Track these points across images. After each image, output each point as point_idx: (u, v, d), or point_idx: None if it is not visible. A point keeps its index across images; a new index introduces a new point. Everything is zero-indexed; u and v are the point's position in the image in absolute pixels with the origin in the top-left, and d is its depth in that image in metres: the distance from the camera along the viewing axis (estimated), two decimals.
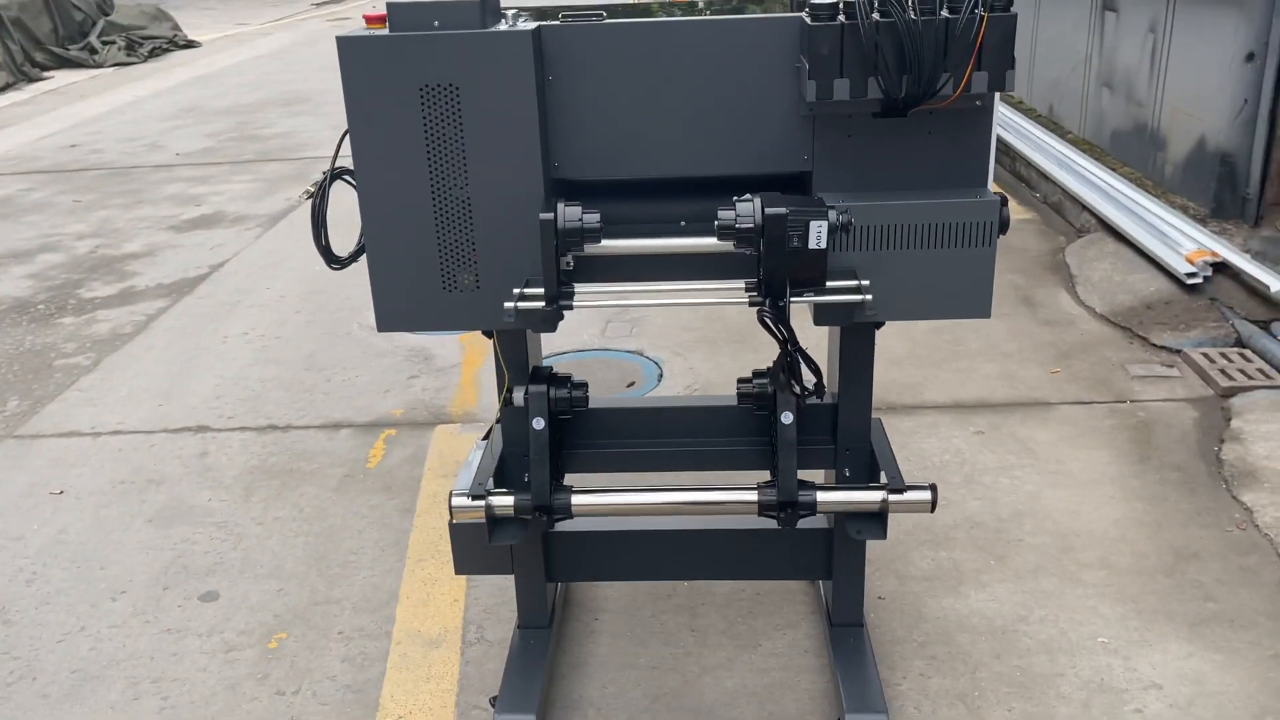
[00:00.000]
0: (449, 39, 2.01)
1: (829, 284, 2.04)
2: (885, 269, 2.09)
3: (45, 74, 13.64)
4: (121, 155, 9.16)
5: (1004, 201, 2.09)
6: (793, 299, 2.02)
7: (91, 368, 4.89)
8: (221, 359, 4.89)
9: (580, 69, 2.08)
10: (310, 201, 2.06)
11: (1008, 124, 7.40)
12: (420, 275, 2.14)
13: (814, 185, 2.16)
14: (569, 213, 1.99)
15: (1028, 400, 4.19)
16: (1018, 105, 7.90)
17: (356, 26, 2.12)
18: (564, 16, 2.11)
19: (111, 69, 14.27)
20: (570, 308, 2.07)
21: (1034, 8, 7.65)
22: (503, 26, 2.04)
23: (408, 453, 4.01)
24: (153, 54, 15.01)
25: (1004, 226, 2.09)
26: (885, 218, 2.06)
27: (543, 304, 2.04)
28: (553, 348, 4.73)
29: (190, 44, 15.89)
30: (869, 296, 2.03)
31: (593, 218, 2.01)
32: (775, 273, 1.98)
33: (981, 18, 1.90)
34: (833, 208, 1.98)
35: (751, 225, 1.96)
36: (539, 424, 2.28)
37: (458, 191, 2.09)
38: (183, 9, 18.53)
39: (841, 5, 1.93)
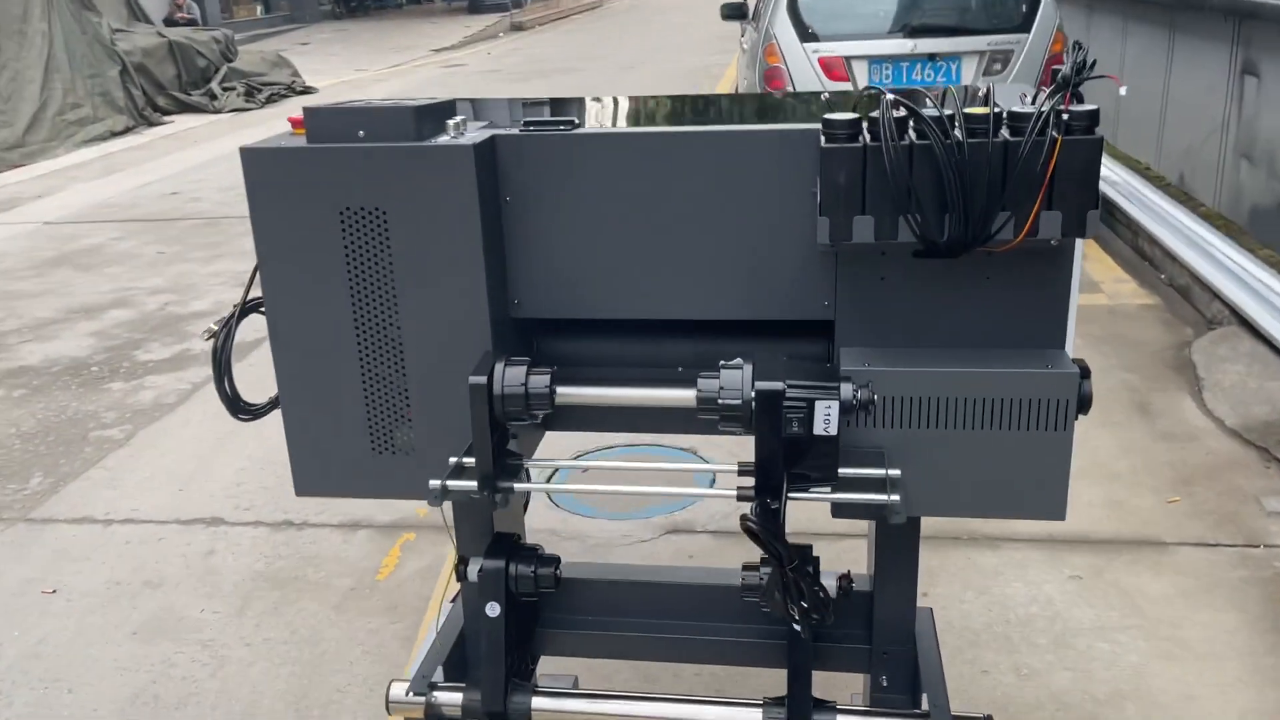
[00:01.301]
0: (374, 154, 1.62)
1: (844, 473, 1.56)
2: (923, 453, 1.61)
3: (165, 118, 14.01)
4: (217, 205, 9.19)
5: (1086, 373, 1.58)
6: (792, 497, 1.55)
7: (124, 441, 4.70)
8: (254, 438, 4.63)
9: (544, 189, 1.68)
10: (212, 342, 1.70)
11: (1132, 194, 6.73)
12: (345, 432, 1.75)
13: (837, 337, 1.69)
14: (510, 375, 1.57)
15: (1137, 538, 3.58)
16: (1144, 172, 7.21)
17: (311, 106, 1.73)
18: (526, 124, 1.71)
19: (229, 114, 14.59)
20: (511, 492, 1.65)
21: (1164, 65, 6.98)
22: (443, 138, 1.64)
23: (423, 564, 3.64)
24: (270, 100, 15.33)
25: (1085, 404, 1.58)
26: (925, 388, 1.58)
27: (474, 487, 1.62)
28: (591, 441, 4.31)
29: (307, 90, 16.19)
30: (896, 497, 1.55)
31: (540, 381, 1.58)
32: (769, 465, 1.52)
33: (1054, 141, 1.42)
34: (848, 380, 1.51)
35: (738, 402, 1.50)
36: (494, 610, 1.86)
37: (387, 334, 1.70)
38: (307, 55, 19.01)
39: (864, 122, 1.47)
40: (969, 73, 6.41)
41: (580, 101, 2.15)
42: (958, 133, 1.44)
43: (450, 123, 1.65)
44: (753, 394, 1.50)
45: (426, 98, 1.77)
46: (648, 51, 19.14)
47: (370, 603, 3.45)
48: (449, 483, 1.62)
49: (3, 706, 3.06)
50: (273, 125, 13.25)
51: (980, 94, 1.62)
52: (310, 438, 1.78)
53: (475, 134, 1.68)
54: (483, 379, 1.55)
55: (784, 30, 6.55)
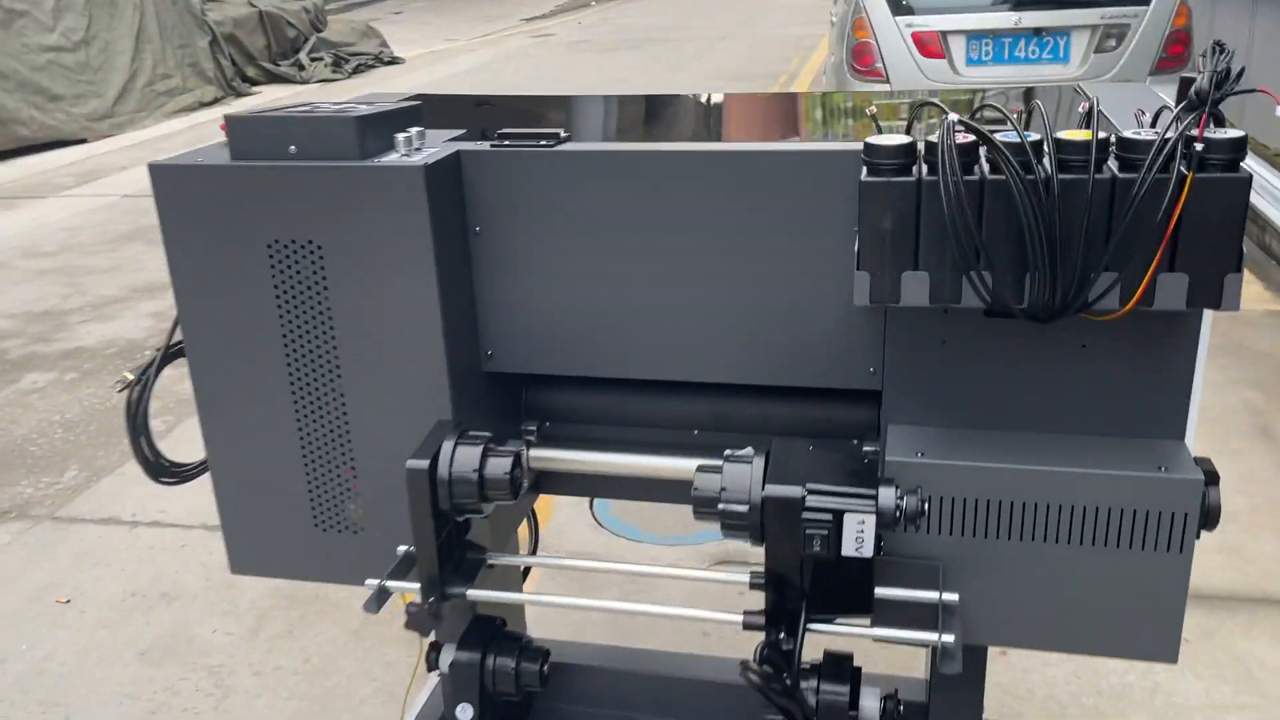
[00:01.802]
0: (306, 176, 1.31)
1: (883, 594, 1.21)
2: (991, 571, 1.24)
3: (254, 89, 14.03)
4: None
5: (1212, 478, 1.19)
6: (813, 629, 1.20)
7: (163, 434, 4.53)
8: None
9: (521, 218, 1.35)
10: (127, 394, 1.42)
11: (1258, 183, 6.09)
12: (283, 505, 1.45)
13: (884, 412, 1.33)
14: (461, 457, 1.24)
15: (1257, 594, 3.13)
16: (1272, 159, 6.54)
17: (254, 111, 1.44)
18: (500, 136, 1.38)
19: (316, 85, 14.56)
20: (462, 599, 1.33)
21: None
22: (391, 156, 1.32)
23: None
24: (357, 70, 15.26)
25: (1211, 519, 1.20)
26: (997, 489, 1.22)
27: (418, 590, 1.31)
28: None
29: (394, 60, 16.09)
30: (950, 637, 1.18)
31: (500, 465, 1.26)
32: (783, 590, 1.17)
33: (1182, 180, 1.03)
34: (891, 483, 1.15)
35: (744, 509, 1.15)
36: (466, 714, 1.55)
37: (327, 392, 1.40)
38: (399, 24, 18.92)
39: (920, 147, 1.10)
40: (1079, 50, 5.84)
41: (609, 102, 1.81)
42: (1045, 165, 1.06)
43: (401, 136, 1.33)
44: (761, 499, 1.15)
45: (394, 100, 1.46)
46: (743, 21, 18.58)
47: (391, 629, 3.20)
48: (389, 583, 1.30)
49: None
50: (355, 95, 13.14)
51: (1082, 108, 1.23)
52: (244, 509, 1.49)
53: (434, 149, 1.35)
54: (424, 463, 1.23)
55: (875, 2, 6.06)
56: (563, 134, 1.38)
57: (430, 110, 1.46)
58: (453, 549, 1.31)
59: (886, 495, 1.15)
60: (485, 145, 1.37)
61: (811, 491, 1.14)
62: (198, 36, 13.26)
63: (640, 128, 1.78)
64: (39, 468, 4.42)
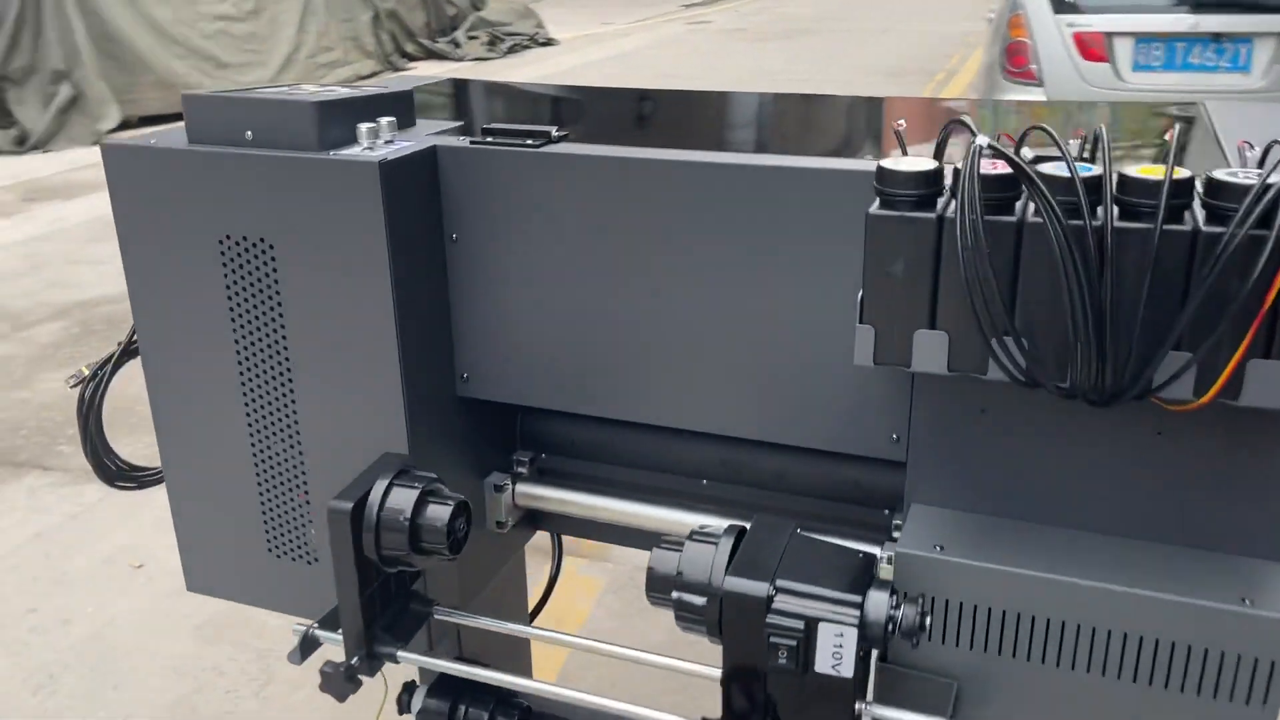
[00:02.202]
0: (257, 166, 1.16)
1: (878, 714, 0.98)
2: (1018, 696, 1.00)
3: (409, 65, 14.31)
4: None
5: None
6: None
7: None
8: None
9: (505, 226, 1.17)
10: (80, 389, 1.31)
11: None
12: (237, 526, 1.32)
13: (908, 489, 1.10)
14: (394, 501, 1.08)
15: None
16: None
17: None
18: (484, 131, 1.20)
19: (470, 63, 14.77)
20: (393, 660, 1.17)
21: None
22: (350, 149, 1.16)
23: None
24: (511, 50, 15.40)
25: None
26: (1027, 601, 0.98)
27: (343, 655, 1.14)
28: None
29: (548, 41, 16.18)
30: None
31: (439, 514, 1.08)
32: (745, 705, 0.96)
33: None
34: (887, 588, 0.93)
35: (701, 601, 0.95)
36: None
37: (281, 408, 1.25)
38: (560, 6, 19.02)
39: (949, 174, 0.87)
40: (1262, 59, 5.28)
41: (646, 98, 1.62)
42: (1102, 207, 0.81)
43: (365, 127, 1.16)
44: (721, 595, 0.94)
45: (372, 85, 1.30)
46: (908, 14, 17.96)
47: None
48: (319, 632, 1.15)
49: (46, 695, 2.92)
50: (504, 76, 13.26)
51: (1165, 135, 0.97)
52: (198, 524, 1.37)
53: (407, 144, 1.19)
54: (347, 505, 1.06)
55: None
56: (556, 132, 1.19)
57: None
58: (390, 600, 1.15)
59: (877, 603, 0.92)
60: (464, 141, 1.20)
61: (781, 590, 0.93)
62: (360, 11, 13.59)
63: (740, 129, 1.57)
64: (141, 428, 4.51)
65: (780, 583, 0.94)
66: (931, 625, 0.98)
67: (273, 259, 1.20)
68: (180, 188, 1.21)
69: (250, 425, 1.29)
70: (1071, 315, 0.83)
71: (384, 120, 1.19)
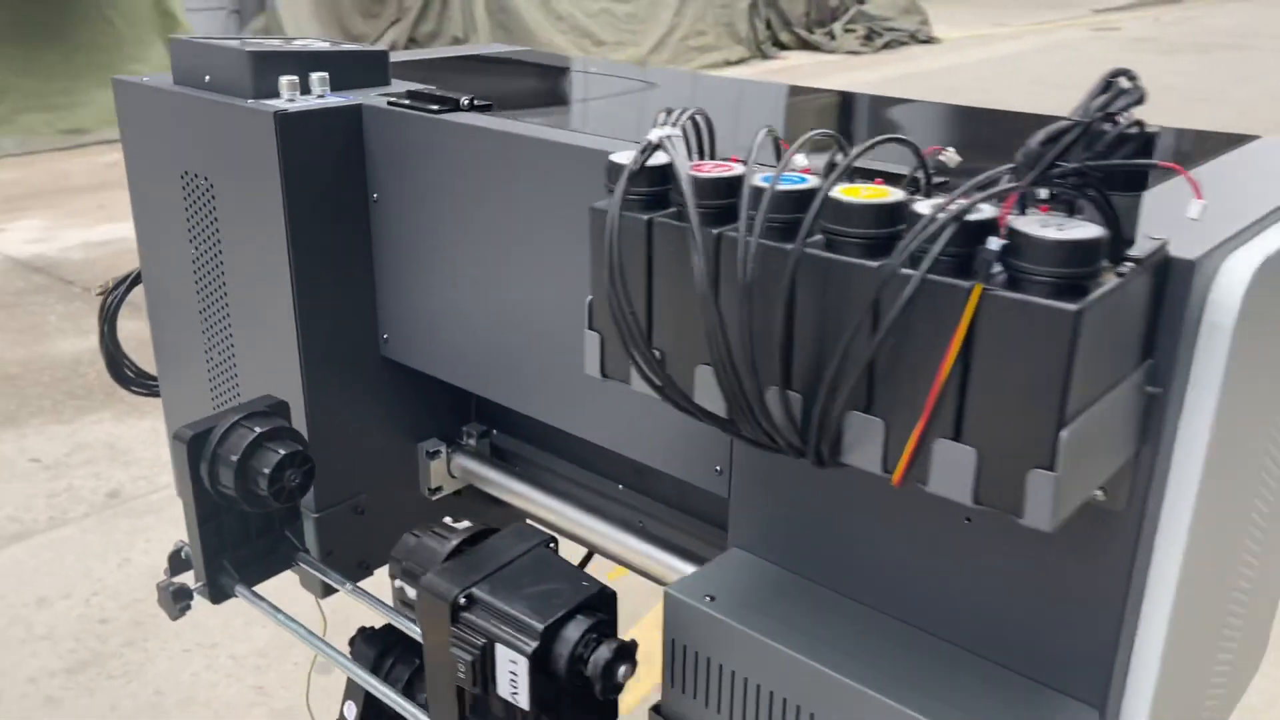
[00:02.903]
0: (198, 108, 1.25)
1: None
2: None
3: (780, 54, 14.41)
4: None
5: None
6: None
7: None
8: None
9: (414, 193, 1.18)
10: (102, 299, 1.47)
11: None
12: None
13: (730, 529, 1.00)
14: (233, 438, 1.12)
15: None
16: None
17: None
18: (406, 94, 1.21)
19: (841, 56, 14.62)
20: (230, 595, 1.21)
21: None
22: (279, 100, 1.20)
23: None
24: (887, 45, 15.05)
25: None
26: (783, 681, 0.86)
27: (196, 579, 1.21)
28: None
29: (930, 39, 15.64)
30: None
31: (267, 459, 1.11)
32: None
33: (963, 292, 0.62)
34: (594, 615, 0.85)
35: (411, 595, 0.92)
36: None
37: (224, 343, 1.34)
38: (952, 4, 18.28)
39: (669, 143, 0.76)
40: None
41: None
42: (751, 224, 0.67)
43: (285, 80, 1.20)
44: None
45: (328, 40, 1.35)
46: None
47: None
48: (188, 551, 1.22)
49: None
50: (867, 73, 12.97)
51: (937, 154, 0.77)
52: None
53: (331, 99, 1.22)
54: (188, 434, 1.12)
55: None
56: (465, 100, 1.17)
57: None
58: (252, 538, 1.20)
59: (565, 638, 0.83)
60: (383, 102, 1.21)
61: (475, 601, 0.86)
62: None
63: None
64: None
65: (476, 591, 0.87)
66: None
67: (214, 198, 1.28)
68: (155, 123, 1.33)
69: (207, 358, 1.39)
70: (712, 345, 0.69)
71: (315, 75, 1.23)
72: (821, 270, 0.66)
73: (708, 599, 0.93)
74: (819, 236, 0.69)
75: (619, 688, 0.86)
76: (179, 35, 1.36)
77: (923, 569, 0.88)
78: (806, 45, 14.87)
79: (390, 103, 1.20)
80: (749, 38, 13.97)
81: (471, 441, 1.43)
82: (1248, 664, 1.14)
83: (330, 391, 1.28)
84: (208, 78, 1.26)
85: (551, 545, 0.95)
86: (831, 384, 0.67)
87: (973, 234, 0.62)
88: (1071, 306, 0.60)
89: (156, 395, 1.54)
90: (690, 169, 0.71)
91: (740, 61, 13.74)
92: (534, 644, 0.84)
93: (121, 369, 1.53)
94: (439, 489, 1.43)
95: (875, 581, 0.91)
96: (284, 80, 1.21)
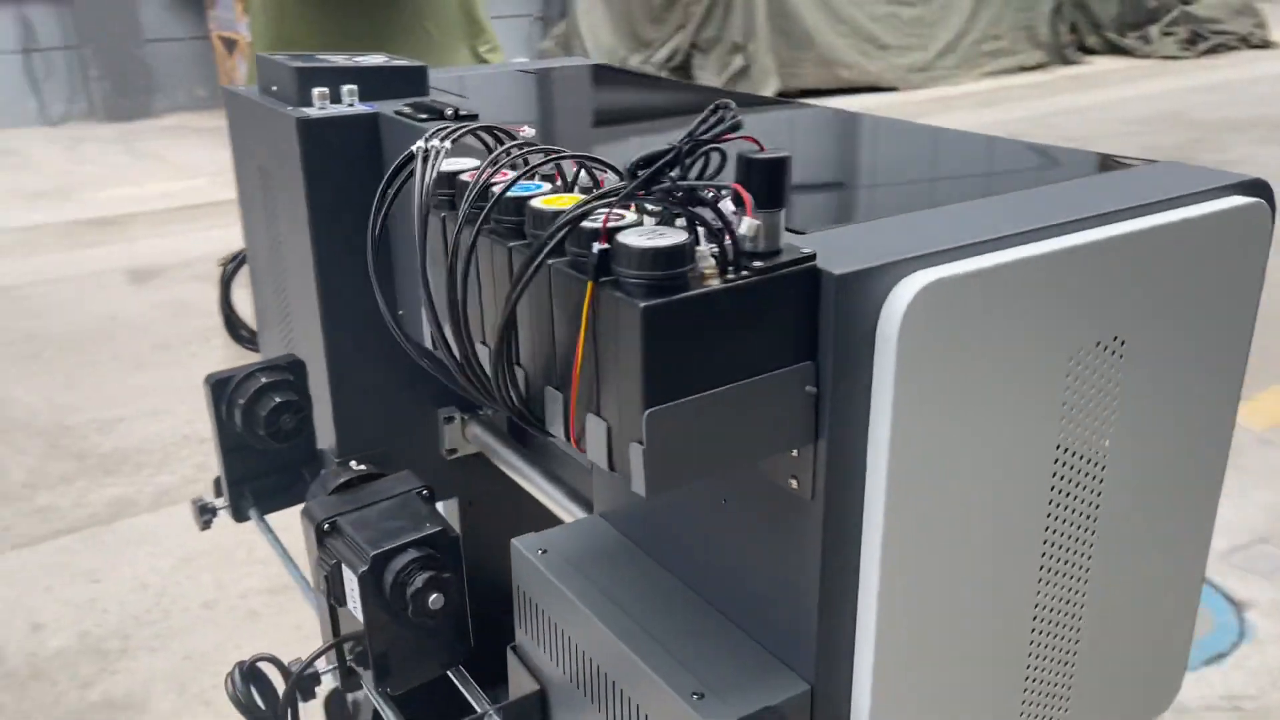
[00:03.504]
0: (257, 113, 1.51)
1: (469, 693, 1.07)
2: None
3: (1085, 58, 13.59)
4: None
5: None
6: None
7: None
8: None
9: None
10: (223, 268, 1.79)
11: None
12: None
13: (595, 498, 1.14)
14: (248, 383, 1.37)
15: None
16: None
17: None
18: (408, 104, 1.41)
19: (1155, 61, 13.56)
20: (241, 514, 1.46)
21: None
22: (311, 108, 1.44)
23: None
24: (1211, 50, 13.80)
25: None
26: (577, 634, 1.00)
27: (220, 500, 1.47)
28: None
29: (1264, 44, 14.18)
30: None
31: (265, 402, 1.35)
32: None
33: (578, 284, 0.74)
34: (423, 549, 1.02)
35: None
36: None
37: (283, 321, 1.61)
38: None
39: (424, 153, 0.91)
40: None
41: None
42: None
43: (316, 91, 1.43)
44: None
45: (400, 60, 1.56)
46: None
47: None
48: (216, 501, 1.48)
49: None
50: (1180, 79, 11.95)
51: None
52: None
53: (356, 108, 1.43)
54: (216, 377, 1.38)
55: None
56: (450, 111, 1.34)
57: None
58: (273, 472, 1.44)
59: (394, 563, 0.99)
60: (390, 111, 1.41)
61: (334, 527, 1.03)
62: (1041, 1, 13.18)
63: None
64: None
65: (339, 520, 1.05)
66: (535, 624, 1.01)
67: (272, 188, 1.54)
68: (244, 125, 1.60)
69: (279, 319, 1.66)
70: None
71: (345, 87, 1.45)
72: (489, 252, 0.80)
73: (540, 552, 1.06)
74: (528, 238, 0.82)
75: (432, 614, 1.01)
76: (265, 54, 1.63)
77: (702, 542, 0.97)
78: (1117, 50, 13.91)
79: (395, 112, 1.40)
80: (1050, 42, 13.27)
81: (489, 412, 1.61)
82: (1131, 701, 1.12)
83: (348, 355, 1.50)
84: (274, 88, 1.52)
85: (423, 493, 1.11)
86: (495, 352, 0.80)
87: (588, 237, 0.73)
88: (641, 303, 0.69)
89: (257, 350, 1.85)
90: (436, 171, 0.86)
91: (1038, 67, 13.08)
92: (364, 567, 1.01)
93: (236, 328, 1.84)
94: (454, 451, 1.62)
95: (674, 551, 1.01)
96: (315, 91, 1.44)
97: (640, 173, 0.70)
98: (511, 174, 0.84)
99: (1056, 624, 1.00)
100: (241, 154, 1.65)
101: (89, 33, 11.02)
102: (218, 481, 1.49)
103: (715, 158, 0.74)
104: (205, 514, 1.46)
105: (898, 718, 0.89)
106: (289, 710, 1.07)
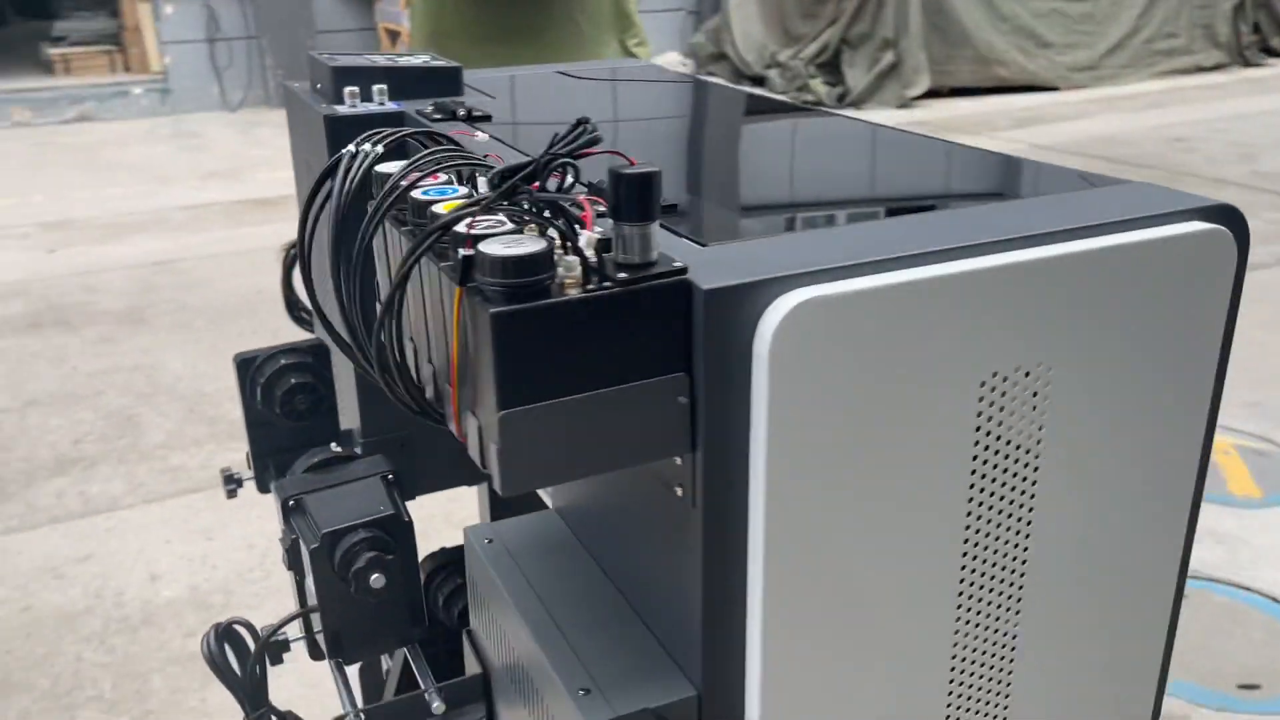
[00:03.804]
0: (303, 111, 1.59)
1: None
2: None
3: (1268, 60, 12.73)
4: (1151, 155, 8.31)
5: None
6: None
7: None
8: None
9: None
10: (284, 253, 1.89)
11: None
12: None
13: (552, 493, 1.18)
14: (268, 365, 1.46)
15: None
16: None
17: None
18: (434, 104, 1.47)
19: None
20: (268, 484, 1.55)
21: None
22: (343, 105, 1.51)
23: None
24: None
25: None
26: (504, 628, 1.06)
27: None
28: None
29: None
30: None
31: (280, 382, 1.44)
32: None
33: (445, 285, 0.79)
34: (371, 536, 1.08)
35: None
36: None
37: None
38: None
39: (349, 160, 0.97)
40: None
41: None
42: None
43: (348, 90, 1.49)
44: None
45: (421, 58, 1.62)
46: None
47: None
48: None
49: None
50: None
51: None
52: None
53: (385, 106, 1.50)
54: (241, 358, 1.46)
55: None
56: (462, 111, 1.39)
57: None
58: (294, 448, 1.53)
59: (343, 542, 1.05)
60: (414, 110, 1.46)
61: (298, 505, 1.09)
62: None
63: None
64: None
65: (304, 498, 1.11)
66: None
67: (316, 178, 1.62)
68: (296, 119, 1.69)
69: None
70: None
71: (375, 87, 1.51)
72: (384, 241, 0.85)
73: (486, 542, 1.10)
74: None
75: (374, 592, 1.07)
76: (319, 53, 1.72)
77: (621, 542, 0.99)
78: None
79: (416, 111, 1.46)
80: (1230, 42, 12.48)
81: None
82: None
83: None
84: (318, 85, 1.61)
85: (388, 478, 1.17)
86: (378, 346, 0.85)
87: (458, 243, 0.76)
88: (491, 309, 0.72)
89: (312, 330, 1.95)
90: (359, 175, 0.91)
91: (1216, 68, 12.33)
92: (315, 544, 1.07)
93: (295, 309, 1.95)
94: None
95: (605, 548, 1.03)
96: (347, 89, 1.51)
97: (500, 184, 0.73)
98: (435, 179, 0.88)
99: (986, 653, 0.98)
100: (295, 147, 1.75)
101: (267, 24, 11.68)
102: (248, 455, 1.60)
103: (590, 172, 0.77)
104: (230, 483, 1.56)
105: None
106: (255, 669, 1.15)
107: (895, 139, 1.28)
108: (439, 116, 1.42)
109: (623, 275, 0.75)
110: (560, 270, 0.75)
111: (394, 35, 11.13)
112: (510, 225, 0.78)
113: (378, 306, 0.90)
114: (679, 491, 0.84)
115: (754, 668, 0.87)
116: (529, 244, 0.74)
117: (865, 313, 0.80)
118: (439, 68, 1.59)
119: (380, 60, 1.61)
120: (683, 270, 0.77)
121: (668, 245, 0.84)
